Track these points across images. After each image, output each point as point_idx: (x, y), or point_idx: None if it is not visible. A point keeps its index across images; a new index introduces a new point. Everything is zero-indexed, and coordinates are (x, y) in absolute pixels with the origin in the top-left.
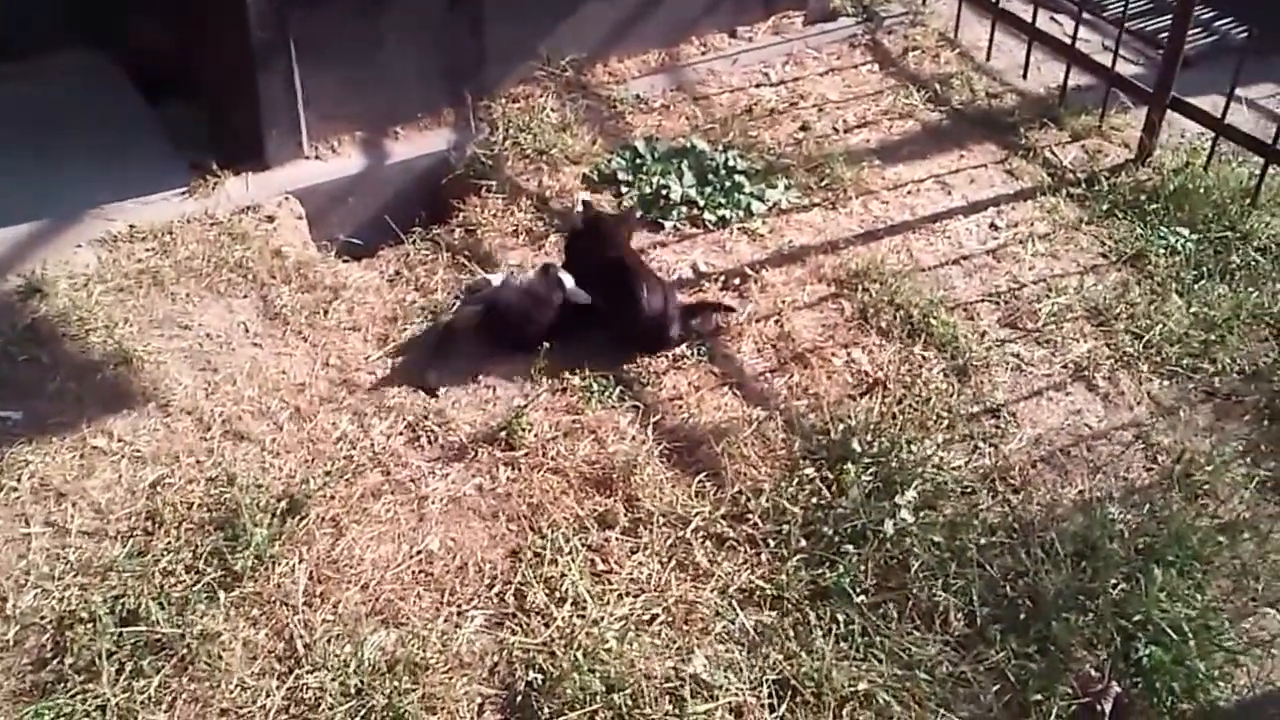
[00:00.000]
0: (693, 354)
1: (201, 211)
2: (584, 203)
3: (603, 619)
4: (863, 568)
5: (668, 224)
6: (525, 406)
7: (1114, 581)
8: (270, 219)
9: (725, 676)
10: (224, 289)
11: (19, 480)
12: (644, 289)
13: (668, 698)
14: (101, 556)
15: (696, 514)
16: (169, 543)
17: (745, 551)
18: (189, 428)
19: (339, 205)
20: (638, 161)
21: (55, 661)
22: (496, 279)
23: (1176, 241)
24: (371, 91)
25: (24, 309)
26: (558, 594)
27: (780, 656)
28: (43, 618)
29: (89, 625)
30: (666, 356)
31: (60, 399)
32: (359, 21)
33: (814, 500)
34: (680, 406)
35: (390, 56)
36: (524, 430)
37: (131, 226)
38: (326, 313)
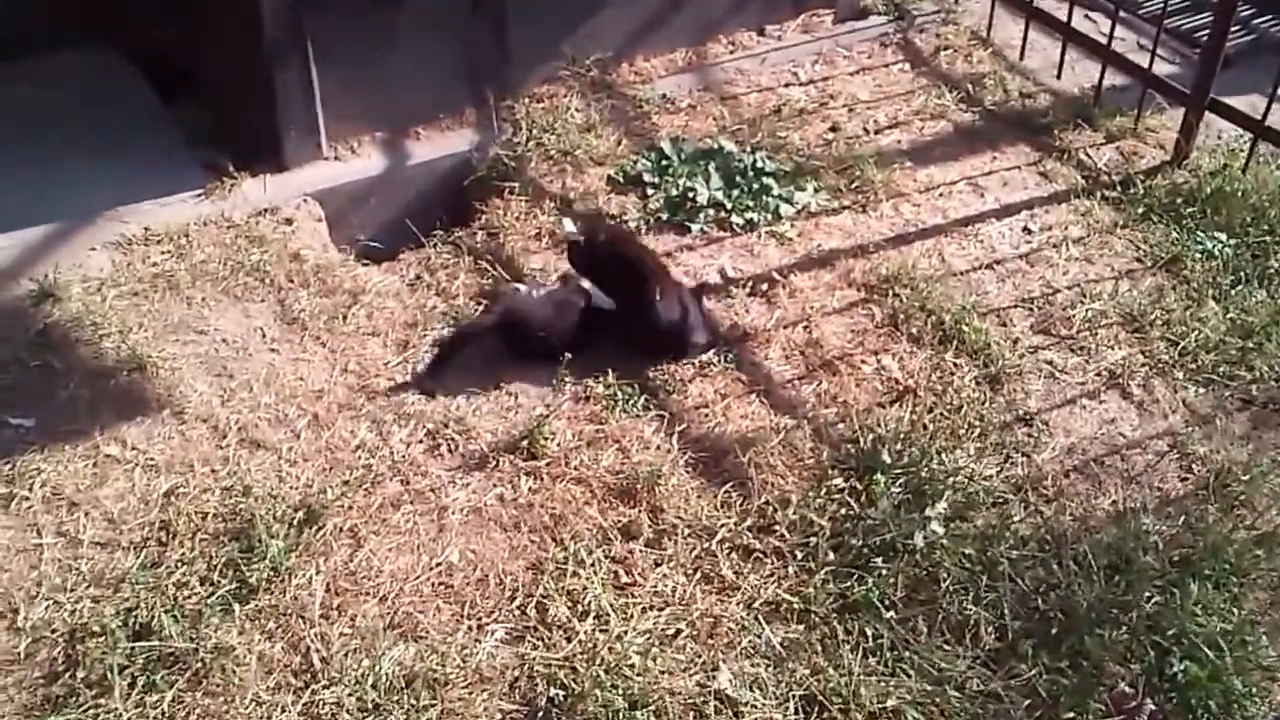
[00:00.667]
0: (719, 361)
1: (218, 213)
2: (573, 217)
3: (626, 633)
4: (892, 581)
5: (694, 227)
6: (547, 415)
7: (1148, 595)
8: (288, 221)
9: (751, 693)
10: (241, 293)
11: (31, 489)
12: (657, 295)
13: (692, 715)
14: (114, 568)
15: (722, 525)
16: (183, 554)
17: (772, 564)
18: (204, 435)
19: (359, 207)
20: (664, 163)
21: (67, 675)
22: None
23: (1213, 246)
24: (391, 91)
25: (36, 314)
26: (580, 607)
27: (807, 672)
28: (54, 630)
29: (101, 638)
30: (693, 364)
31: (73, 406)
32: (376, 20)
33: (842, 512)
34: (706, 415)
35: (410, 55)
36: (546, 439)
37: (146, 229)
38: (345, 318)
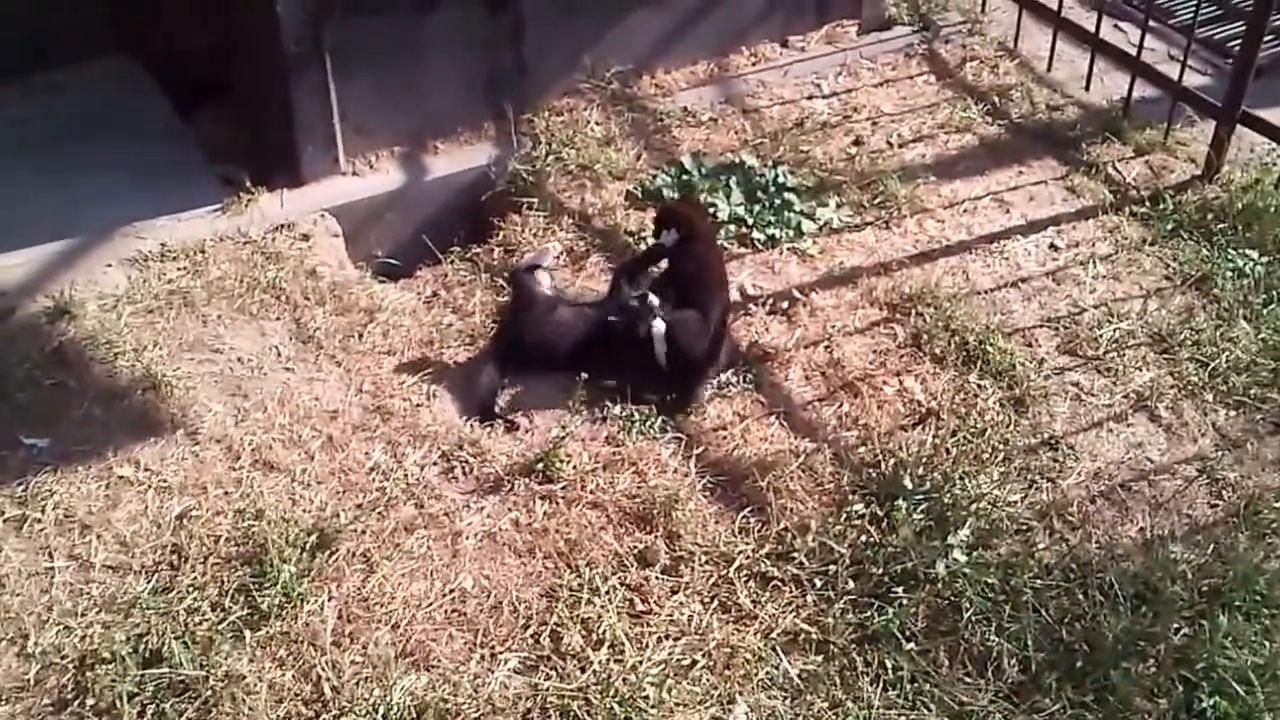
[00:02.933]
0: (738, 381)
1: (234, 229)
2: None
3: (641, 664)
4: (913, 611)
5: None
6: (563, 437)
7: (1176, 626)
8: (305, 237)
9: None
10: (256, 311)
11: (43, 511)
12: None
13: None
14: (125, 592)
15: (740, 552)
16: (194, 579)
17: (790, 592)
18: (217, 457)
19: (376, 223)
20: (684, 178)
21: (76, 703)
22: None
23: (1245, 264)
24: (409, 105)
25: (52, 331)
26: (595, 636)
27: (825, 705)
28: (64, 656)
29: (111, 665)
30: (711, 384)
31: (87, 425)
32: (396, 33)
33: (863, 539)
34: (724, 437)
35: (428, 69)
36: (562, 462)
37: (162, 245)
38: (361, 336)
